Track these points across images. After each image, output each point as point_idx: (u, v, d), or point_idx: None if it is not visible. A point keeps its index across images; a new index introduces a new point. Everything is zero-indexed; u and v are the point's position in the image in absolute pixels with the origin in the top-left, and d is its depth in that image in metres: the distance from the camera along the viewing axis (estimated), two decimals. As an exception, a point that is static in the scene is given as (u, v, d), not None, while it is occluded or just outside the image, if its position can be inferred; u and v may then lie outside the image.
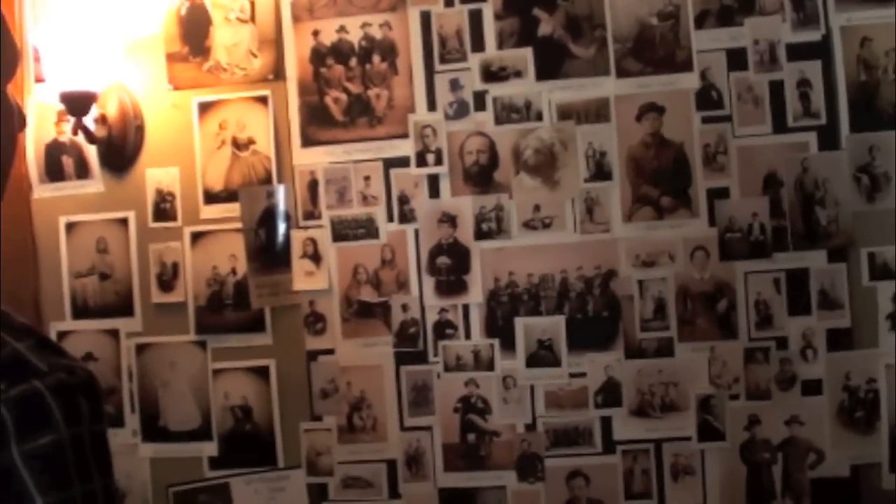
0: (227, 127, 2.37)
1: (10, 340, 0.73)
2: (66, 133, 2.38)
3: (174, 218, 2.39)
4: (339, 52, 2.33)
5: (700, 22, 2.20)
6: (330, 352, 2.33)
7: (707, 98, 2.20)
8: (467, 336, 2.28)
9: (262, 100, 2.35)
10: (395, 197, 2.30)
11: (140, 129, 2.40)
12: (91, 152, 2.42)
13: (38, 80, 2.40)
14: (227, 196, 2.36)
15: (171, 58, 2.40)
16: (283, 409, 2.34)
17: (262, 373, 2.35)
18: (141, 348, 2.40)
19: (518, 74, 2.26)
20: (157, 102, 2.41)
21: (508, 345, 2.26)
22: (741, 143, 2.18)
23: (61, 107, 2.31)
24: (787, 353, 2.16)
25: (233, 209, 2.35)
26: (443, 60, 2.28)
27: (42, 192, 2.45)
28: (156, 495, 2.39)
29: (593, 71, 2.24)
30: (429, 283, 2.28)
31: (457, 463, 2.28)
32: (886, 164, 2.13)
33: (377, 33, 2.32)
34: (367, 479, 2.31)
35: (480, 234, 2.27)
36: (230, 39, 2.37)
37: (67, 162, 2.44)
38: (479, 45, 2.27)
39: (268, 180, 2.35)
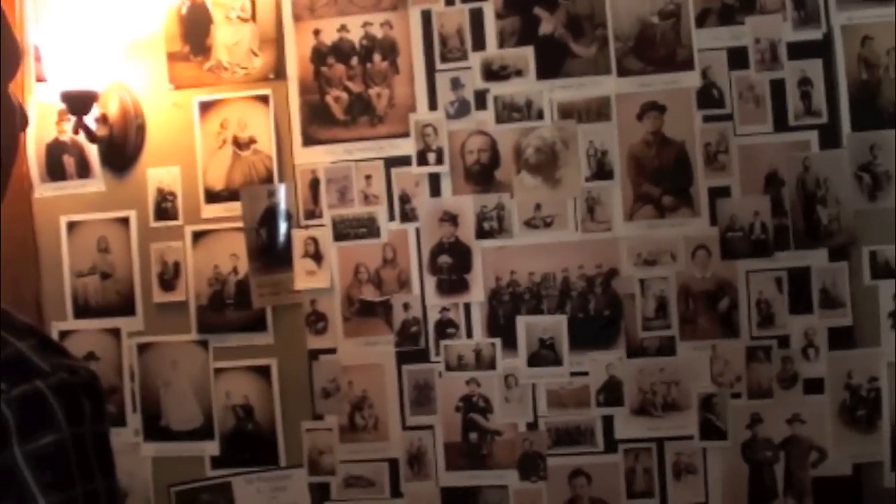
0: (228, 126, 2.37)
1: (12, 340, 0.73)
2: (67, 132, 2.38)
3: (175, 217, 2.39)
4: (340, 51, 2.33)
5: (701, 21, 2.20)
6: (331, 351, 2.33)
7: (708, 97, 2.19)
8: (469, 335, 2.28)
9: (263, 99, 2.35)
10: (396, 196, 2.30)
11: (141, 129, 2.40)
12: (92, 152, 2.42)
13: (39, 79, 2.40)
14: (229, 195, 2.36)
15: (172, 57, 2.40)
16: (284, 409, 2.35)
17: (264, 372, 2.35)
18: (142, 348, 2.40)
19: (519, 73, 2.26)
20: (158, 102, 2.41)
21: (510, 344, 2.26)
22: (742, 142, 2.18)
23: (62, 106, 2.31)
24: (789, 352, 2.16)
25: (234, 208, 2.35)
26: (444, 59, 2.28)
27: (43, 191, 2.45)
28: (157, 495, 2.39)
29: (594, 70, 2.24)
30: (430, 282, 2.28)
31: (458, 462, 2.28)
32: (888, 163, 2.13)
33: (378, 32, 2.32)
34: (368, 478, 2.31)
35: (482, 233, 2.27)
36: (231, 38, 2.37)
37: (68, 161, 2.44)
38: (480, 43, 2.27)
39: (269, 179, 2.35)
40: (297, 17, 2.34)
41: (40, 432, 0.70)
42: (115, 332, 2.41)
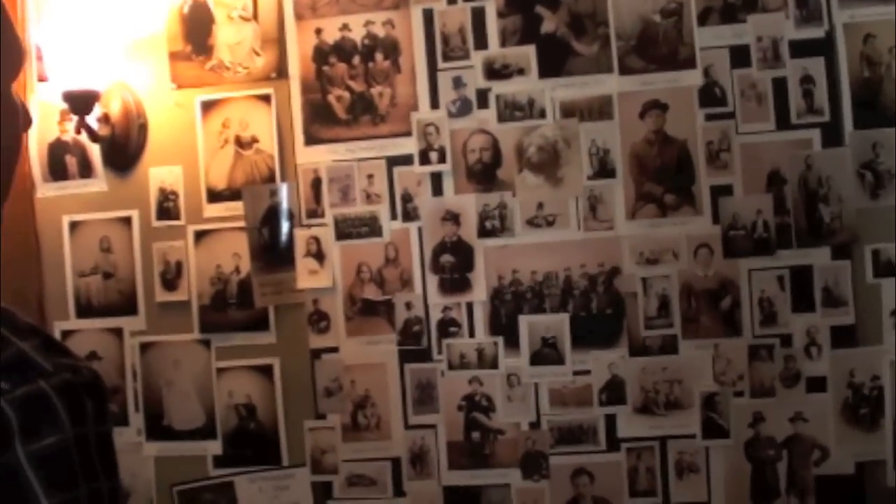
0: (230, 125, 2.37)
1: (14, 340, 0.73)
2: (70, 132, 2.39)
3: (177, 217, 2.39)
4: (342, 50, 2.33)
5: (703, 19, 2.20)
6: (334, 350, 2.33)
7: (710, 95, 2.19)
8: (471, 334, 2.28)
9: (265, 98, 2.35)
10: (398, 195, 2.30)
11: (143, 128, 2.40)
12: (94, 151, 2.42)
13: (41, 79, 2.40)
14: (231, 195, 2.36)
15: (174, 56, 2.40)
16: (287, 408, 2.35)
17: (266, 371, 2.35)
18: (145, 347, 2.41)
19: (521, 72, 2.25)
20: (160, 101, 2.41)
21: (512, 343, 2.26)
22: (744, 141, 2.18)
23: (64, 106, 2.31)
24: (792, 351, 2.16)
25: (236, 208, 2.35)
26: (446, 58, 2.28)
27: (45, 191, 2.45)
28: (160, 494, 2.39)
29: (596, 68, 2.23)
30: (432, 281, 2.28)
31: (461, 461, 2.28)
32: (890, 161, 2.12)
33: (380, 31, 2.31)
34: (371, 477, 2.31)
35: (484, 232, 2.27)
36: (233, 38, 2.37)
37: (71, 161, 2.44)
38: (481, 42, 2.27)
39: (271, 179, 2.35)
40: (298, 17, 2.34)
41: (43, 432, 0.70)
42: (118, 332, 2.41)
